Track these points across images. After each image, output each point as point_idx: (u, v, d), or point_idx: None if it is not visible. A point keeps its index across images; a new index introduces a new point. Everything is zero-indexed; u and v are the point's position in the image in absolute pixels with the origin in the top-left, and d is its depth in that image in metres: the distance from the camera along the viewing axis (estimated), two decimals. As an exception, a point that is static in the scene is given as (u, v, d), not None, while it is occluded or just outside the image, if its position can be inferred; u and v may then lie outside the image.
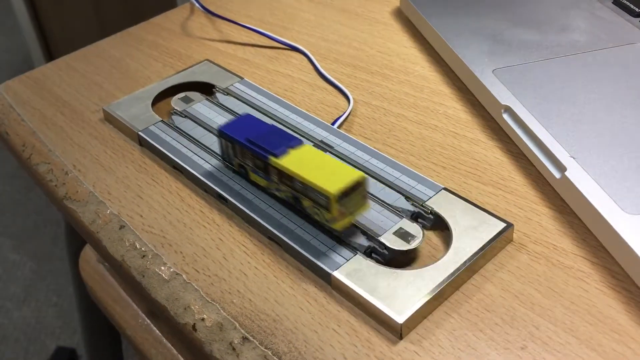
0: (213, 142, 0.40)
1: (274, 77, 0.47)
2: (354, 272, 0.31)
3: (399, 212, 0.34)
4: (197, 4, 0.56)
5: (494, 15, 0.48)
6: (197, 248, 0.34)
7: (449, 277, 0.30)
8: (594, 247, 0.32)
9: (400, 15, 0.54)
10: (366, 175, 0.32)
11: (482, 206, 0.34)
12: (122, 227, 0.36)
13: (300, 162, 0.33)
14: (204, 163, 0.38)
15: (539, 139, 0.36)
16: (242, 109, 0.43)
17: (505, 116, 0.39)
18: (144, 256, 0.34)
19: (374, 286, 0.30)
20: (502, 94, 0.40)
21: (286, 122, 0.41)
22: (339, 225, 0.31)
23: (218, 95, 0.44)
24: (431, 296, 0.29)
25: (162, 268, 0.33)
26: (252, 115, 0.37)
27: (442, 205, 0.34)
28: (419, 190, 0.35)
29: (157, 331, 0.51)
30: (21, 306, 1.34)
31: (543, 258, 0.32)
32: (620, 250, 0.30)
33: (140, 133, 0.41)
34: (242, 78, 0.46)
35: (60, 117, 0.45)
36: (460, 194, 0.35)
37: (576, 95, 0.39)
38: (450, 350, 0.28)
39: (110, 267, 0.48)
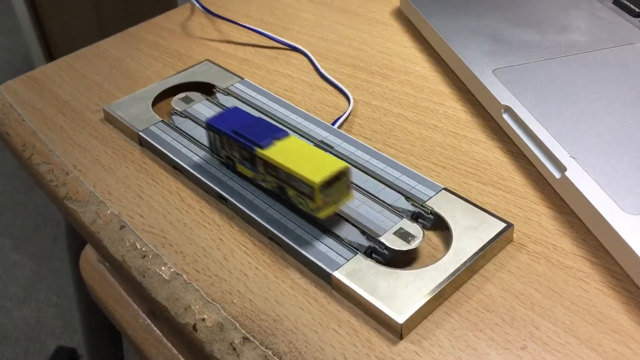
0: (213, 142, 0.40)
1: (274, 77, 0.47)
2: (354, 272, 0.31)
3: (399, 212, 0.34)
4: (197, 4, 0.56)
5: (494, 15, 0.48)
6: (197, 248, 0.34)
7: (449, 277, 0.30)
8: (594, 247, 0.32)
9: (401, 15, 0.54)
10: (350, 166, 0.33)
11: (482, 206, 0.34)
12: (122, 227, 0.36)
13: (285, 153, 0.33)
14: (204, 163, 0.38)
15: (539, 139, 0.36)
16: (242, 109, 0.43)
17: (505, 116, 0.39)
18: (144, 256, 0.34)
19: (374, 286, 0.30)
20: (502, 94, 0.40)
21: (286, 122, 0.41)
22: (323, 214, 0.32)
23: (218, 95, 0.44)
24: (431, 296, 0.29)
25: (163, 268, 0.33)
26: (239, 108, 0.38)
27: (442, 205, 0.34)
28: (419, 190, 0.35)
29: (158, 331, 0.51)
30: (21, 306, 1.34)
31: (543, 258, 0.32)
32: (620, 250, 0.30)
33: (140, 133, 0.41)
34: (242, 78, 0.46)
35: (61, 117, 0.45)
36: (460, 194, 0.35)
37: (576, 95, 0.39)
38: (451, 350, 0.28)
39: (111, 267, 0.48)
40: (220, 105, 0.43)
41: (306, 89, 0.46)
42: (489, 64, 0.43)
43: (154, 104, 0.44)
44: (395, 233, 0.32)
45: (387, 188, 0.35)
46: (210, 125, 0.37)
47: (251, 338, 0.29)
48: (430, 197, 0.34)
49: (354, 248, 0.32)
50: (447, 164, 0.38)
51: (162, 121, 0.42)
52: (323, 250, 0.32)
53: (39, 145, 0.43)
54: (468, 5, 0.49)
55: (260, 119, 0.36)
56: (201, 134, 0.41)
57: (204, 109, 0.43)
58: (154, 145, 0.40)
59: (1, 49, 2.13)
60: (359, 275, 0.31)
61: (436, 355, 0.28)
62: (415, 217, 0.34)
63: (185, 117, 0.42)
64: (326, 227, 0.33)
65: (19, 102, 0.47)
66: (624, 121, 0.37)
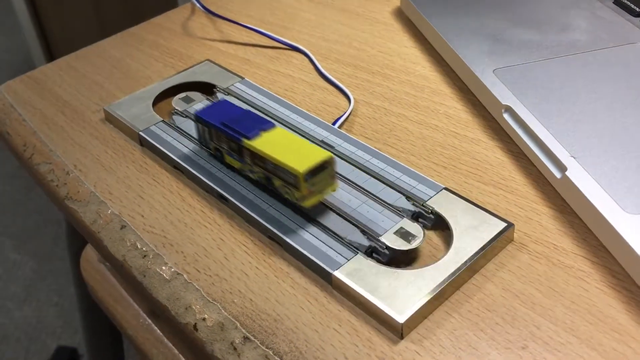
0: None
1: (275, 77, 0.47)
2: (355, 271, 0.31)
3: (399, 211, 0.34)
4: (197, 4, 0.56)
5: (495, 15, 0.48)
6: (198, 248, 0.34)
7: (449, 276, 0.30)
8: (594, 247, 0.32)
9: (401, 15, 0.54)
10: (334, 156, 0.34)
11: (482, 206, 0.34)
12: (123, 227, 0.36)
13: (271, 143, 0.34)
14: (204, 163, 0.38)
15: (540, 139, 0.36)
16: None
17: (506, 116, 0.39)
18: (145, 256, 0.34)
19: (375, 286, 0.30)
20: (503, 94, 0.40)
21: (287, 122, 0.41)
22: (308, 203, 0.33)
23: (219, 95, 0.44)
24: (432, 296, 0.29)
25: (163, 268, 0.33)
26: (227, 101, 0.38)
27: (443, 205, 0.34)
28: (420, 190, 0.35)
29: (158, 331, 0.51)
30: (22, 306, 1.34)
31: (544, 258, 0.32)
32: (621, 250, 0.30)
33: (141, 133, 0.41)
34: (242, 78, 0.46)
35: (61, 117, 0.45)
36: (461, 193, 0.35)
37: (577, 95, 0.39)
38: (451, 350, 0.28)
39: (112, 267, 0.48)
40: (220, 105, 0.43)
41: (307, 89, 0.46)
42: (489, 64, 0.43)
43: (154, 103, 0.44)
44: (395, 233, 0.32)
45: (387, 188, 0.35)
46: (199, 118, 0.38)
47: (252, 338, 0.29)
48: (431, 197, 0.34)
49: (355, 248, 0.32)
50: (447, 164, 0.38)
51: (163, 121, 0.42)
52: (323, 249, 0.32)
53: (39, 145, 0.43)
54: (468, 5, 0.49)
55: (248, 111, 0.37)
56: (202, 134, 0.41)
57: (205, 109, 0.43)
58: (154, 145, 0.40)
59: (1, 49, 2.13)
60: (359, 274, 0.31)
61: (437, 354, 0.28)
62: (415, 217, 0.34)
63: (186, 117, 0.42)
64: (327, 227, 0.33)
65: (20, 102, 0.47)
66: (624, 121, 0.37)
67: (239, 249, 0.34)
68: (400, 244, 0.32)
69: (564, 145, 0.35)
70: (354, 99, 0.44)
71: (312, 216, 0.34)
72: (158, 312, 0.33)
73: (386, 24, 0.53)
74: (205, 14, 0.56)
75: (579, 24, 0.46)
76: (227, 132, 0.36)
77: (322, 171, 0.33)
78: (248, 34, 0.53)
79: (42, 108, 0.46)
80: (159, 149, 0.40)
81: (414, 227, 0.33)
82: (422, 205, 0.34)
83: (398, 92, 0.44)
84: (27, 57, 2.00)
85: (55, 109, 0.46)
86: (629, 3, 0.47)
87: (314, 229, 0.33)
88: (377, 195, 0.35)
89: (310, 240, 0.33)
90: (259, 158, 0.34)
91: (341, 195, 0.35)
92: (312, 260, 0.32)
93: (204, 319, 0.31)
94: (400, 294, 0.29)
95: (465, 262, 0.31)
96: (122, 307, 0.54)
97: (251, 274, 0.32)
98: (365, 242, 0.32)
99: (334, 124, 0.41)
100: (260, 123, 0.36)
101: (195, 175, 0.38)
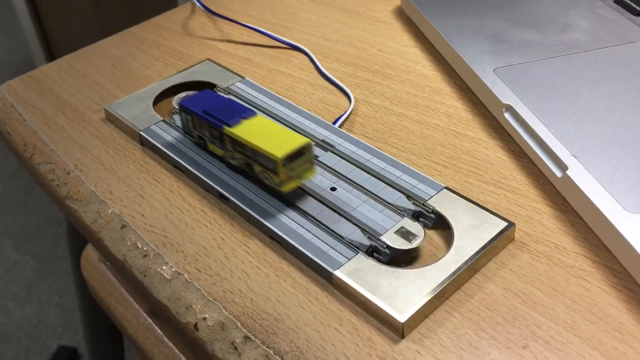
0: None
1: (275, 77, 0.47)
2: (356, 271, 0.31)
3: (400, 211, 0.34)
4: (198, 4, 0.56)
5: (495, 15, 0.48)
6: (198, 247, 0.34)
7: (450, 276, 0.30)
8: (595, 246, 0.32)
9: (402, 14, 0.54)
10: (312, 142, 0.34)
11: (483, 205, 0.34)
12: (123, 226, 0.36)
13: (251, 130, 0.35)
14: (205, 162, 0.38)
15: (541, 138, 0.36)
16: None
17: (507, 115, 0.39)
18: (145, 256, 0.34)
19: (376, 285, 0.30)
20: (504, 93, 0.40)
21: (287, 121, 0.41)
22: (287, 188, 0.34)
23: (219, 94, 0.44)
24: (433, 295, 0.29)
25: (164, 267, 0.33)
26: (210, 91, 0.40)
27: (444, 204, 0.34)
28: (420, 189, 0.35)
29: (159, 330, 0.51)
30: (23, 305, 1.34)
31: (544, 257, 0.32)
32: (622, 249, 0.30)
33: (141, 132, 0.41)
34: (243, 77, 0.46)
35: (62, 117, 0.45)
36: (461, 193, 0.35)
37: (577, 94, 0.39)
38: (452, 350, 0.28)
39: (112, 266, 0.48)
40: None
41: (307, 88, 0.46)
42: (490, 63, 0.43)
43: (154, 103, 0.44)
44: (396, 232, 0.32)
45: (388, 187, 0.35)
46: (182, 107, 0.39)
47: (252, 337, 0.29)
48: (432, 196, 0.34)
49: (355, 247, 0.32)
50: (448, 163, 0.38)
51: (163, 120, 0.42)
52: (324, 249, 0.32)
53: (39, 145, 0.43)
54: (469, 5, 0.49)
55: (230, 99, 0.38)
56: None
57: (205, 109, 0.43)
58: (155, 144, 0.40)
59: (1, 48, 2.13)
60: (360, 274, 0.31)
61: (438, 354, 0.28)
62: (416, 216, 0.34)
63: (186, 116, 0.42)
64: (327, 226, 0.33)
65: (20, 102, 0.47)
66: (625, 120, 0.37)
67: (239, 248, 0.34)
68: (401, 244, 0.32)
69: (565, 144, 0.35)
70: (355, 98, 0.44)
71: (312, 216, 0.34)
72: (159, 311, 0.33)
73: (387, 23, 0.53)
74: (205, 14, 0.56)
75: (580, 23, 0.46)
76: (210, 120, 0.37)
77: (300, 157, 0.34)
78: (248, 33, 0.53)
79: (43, 108, 0.46)
80: (160, 149, 0.40)
81: (414, 227, 0.33)
82: (423, 204, 0.34)
83: (398, 92, 0.44)
84: (27, 57, 2.00)
85: (55, 109, 0.46)
86: (629, 2, 0.47)
87: (314, 229, 0.33)
88: (377, 194, 0.35)
89: (310, 239, 0.33)
90: (239, 145, 0.35)
91: (342, 194, 0.35)
92: (313, 260, 0.32)
93: (204, 319, 0.31)
94: (401, 293, 0.29)
95: (466, 261, 0.31)
96: (123, 306, 0.54)
97: (252, 274, 0.32)
98: (366, 242, 0.32)
99: (334, 123, 0.41)
100: (241, 111, 0.37)
101: (196, 174, 0.38)
